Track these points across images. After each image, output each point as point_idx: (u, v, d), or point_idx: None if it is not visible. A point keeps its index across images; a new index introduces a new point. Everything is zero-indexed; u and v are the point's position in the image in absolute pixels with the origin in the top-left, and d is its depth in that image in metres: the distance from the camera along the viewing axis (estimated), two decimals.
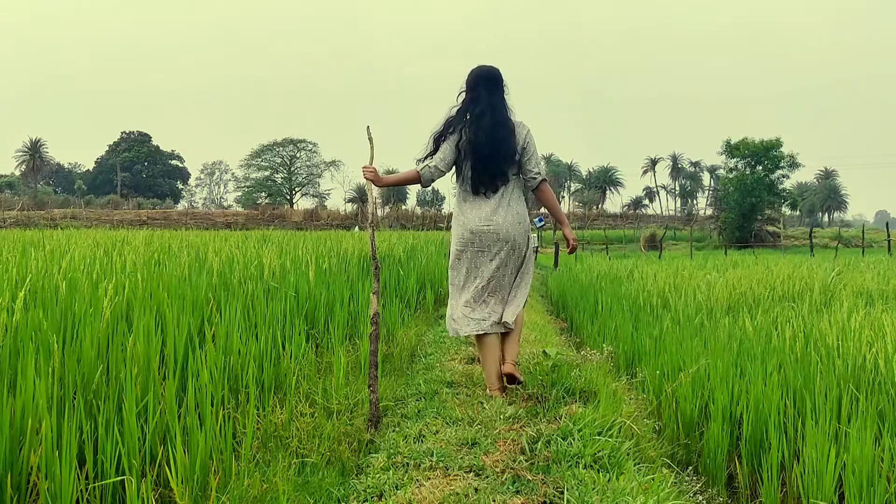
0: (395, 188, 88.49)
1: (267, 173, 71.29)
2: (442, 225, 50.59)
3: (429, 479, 2.32)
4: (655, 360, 4.44)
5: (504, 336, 3.45)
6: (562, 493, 2.22)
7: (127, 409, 2.05)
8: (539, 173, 3.42)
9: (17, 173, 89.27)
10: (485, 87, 3.41)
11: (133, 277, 3.78)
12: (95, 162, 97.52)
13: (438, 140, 3.41)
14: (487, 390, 3.43)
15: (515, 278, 3.50)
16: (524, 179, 3.47)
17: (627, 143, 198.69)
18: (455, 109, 3.45)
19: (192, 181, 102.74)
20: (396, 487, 2.25)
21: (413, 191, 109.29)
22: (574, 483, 2.27)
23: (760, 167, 45.80)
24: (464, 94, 3.47)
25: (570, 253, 3.57)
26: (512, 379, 3.35)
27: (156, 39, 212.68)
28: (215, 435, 2.29)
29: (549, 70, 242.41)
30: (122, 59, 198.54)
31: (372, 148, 3.34)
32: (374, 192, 3.37)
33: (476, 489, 2.24)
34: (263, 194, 70.84)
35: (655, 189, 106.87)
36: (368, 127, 3.35)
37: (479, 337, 3.42)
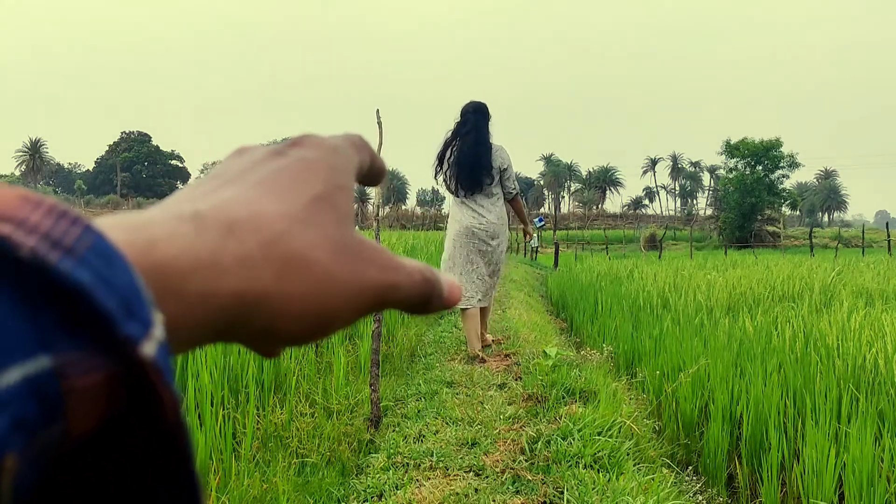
0: (395, 189, 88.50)
1: None
2: (442, 225, 50.57)
3: (429, 479, 2.32)
4: (655, 360, 4.44)
5: (482, 310, 4.44)
6: (562, 493, 2.22)
7: None
8: (514, 189, 4.37)
9: (17, 173, 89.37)
10: (473, 114, 4.27)
11: None
12: (95, 162, 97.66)
13: (441, 157, 4.28)
14: (469, 350, 4.31)
15: (496, 266, 4.38)
16: (503, 192, 4.36)
17: (627, 143, 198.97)
18: (451, 132, 4.36)
19: (192, 181, 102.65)
20: (396, 487, 2.25)
21: (413, 191, 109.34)
22: (574, 483, 2.27)
23: (760, 167, 45.85)
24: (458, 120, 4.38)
25: (527, 239, 4.77)
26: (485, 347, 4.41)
27: (156, 39, 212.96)
28: (215, 435, 2.29)
29: (550, 69, 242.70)
30: (122, 59, 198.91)
31: (381, 133, 3.33)
32: (376, 190, 3.44)
33: (476, 489, 2.24)
34: None
35: (655, 189, 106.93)
36: (378, 111, 3.34)
37: (464, 310, 4.34)
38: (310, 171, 0.24)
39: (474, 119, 4.24)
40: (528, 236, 4.78)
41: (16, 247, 0.15)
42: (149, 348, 0.16)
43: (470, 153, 4.19)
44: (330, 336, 0.24)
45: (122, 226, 0.19)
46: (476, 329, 4.33)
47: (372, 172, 0.29)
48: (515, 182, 4.43)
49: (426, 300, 0.26)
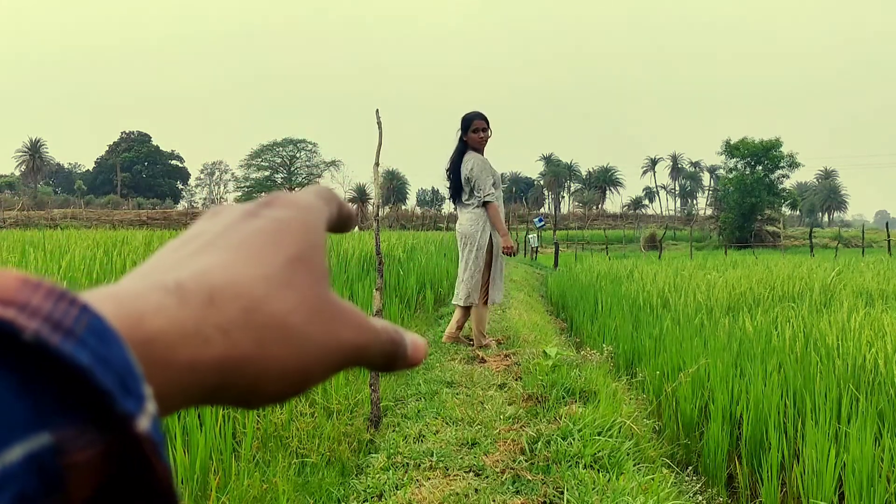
0: (395, 189, 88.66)
1: (267, 173, 71.25)
2: (442, 225, 50.60)
3: (429, 479, 2.32)
4: (655, 360, 4.44)
5: (463, 310, 4.74)
6: (562, 493, 2.22)
7: None
8: (481, 196, 4.60)
9: (17, 173, 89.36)
10: (463, 131, 4.66)
11: None
12: (95, 162, 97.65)
13: (448, 172, 4.77)
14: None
15: (466, 266, 4.65)
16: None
17: (627, 143, 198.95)
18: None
19: (192, 181, 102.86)
20: (396, 487, 2.25)
21: (413, 191, 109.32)
22: (574, 483, 2.27)
23: (760, 167, 45.82)
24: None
25: (507, 255, 4.67)
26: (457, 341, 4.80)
27: (156, 39, 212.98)
28: (215, 435, 2.28)
29: (550, 69, 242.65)
30: (123, 58, 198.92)
31: (380, 133, 3.33)
32: (376, 190, 3.44)
33: (476, 489, 2.24)
34: (263, 194, 70.64)
35: (655, 189, 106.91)
36: (378, 111, 3.35)
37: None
38: (284, 232, 0.25)
39: (459, 138, 4.72)
40: (507, 250, 4.62)
41: (20, 330, 0.16)
42: (143, 423, 0.17)
43: (450, 174, 4.78)
44: (307, 392, 0.25)
45: (110, 299, 0.20)
46: (457, 316, 4.83)
47: (340, 221, 0.31)
48: (484, 189, 4.62)
49: (391, 360, 0.27)
